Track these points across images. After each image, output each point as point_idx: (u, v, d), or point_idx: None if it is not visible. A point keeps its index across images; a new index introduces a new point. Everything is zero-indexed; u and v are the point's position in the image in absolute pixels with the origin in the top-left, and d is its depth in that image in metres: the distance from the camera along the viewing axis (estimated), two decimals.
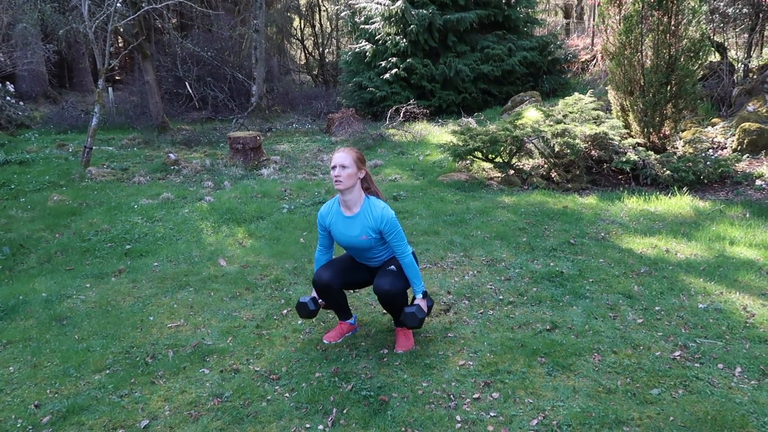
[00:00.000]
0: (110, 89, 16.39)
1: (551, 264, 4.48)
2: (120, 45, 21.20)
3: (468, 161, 7.83)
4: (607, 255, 4.63)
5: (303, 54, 30.89)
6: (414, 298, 3.15)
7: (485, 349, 3.15)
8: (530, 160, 7.76)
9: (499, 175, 7.52)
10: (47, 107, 18.37)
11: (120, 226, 5.86)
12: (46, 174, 8.21)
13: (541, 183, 7.11)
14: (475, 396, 2.70)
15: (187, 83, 15.99)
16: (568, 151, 6.83)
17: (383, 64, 13.06)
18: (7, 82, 14.01)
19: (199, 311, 3.87)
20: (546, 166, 7.36)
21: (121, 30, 10.52)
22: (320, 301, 3.32)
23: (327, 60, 27.91)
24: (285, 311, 3.81)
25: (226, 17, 18.82)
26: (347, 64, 14.33)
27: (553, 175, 7.23)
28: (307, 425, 2.53)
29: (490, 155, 7.53)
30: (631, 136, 7.01)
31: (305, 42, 31.21)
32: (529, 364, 2.96)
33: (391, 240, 3.08)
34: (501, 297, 3.90)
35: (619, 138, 6.82)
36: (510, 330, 3.39)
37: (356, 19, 14.27)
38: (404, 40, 12.74)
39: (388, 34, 13.03)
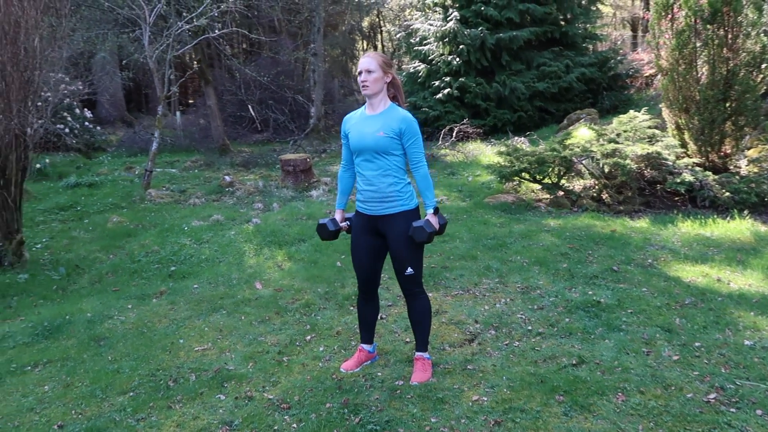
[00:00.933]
0: (178, 113, 17.20)
1: (589, 293, 4.29)
2: (188, 71, 22.24)
3: (515, 182, 7.67)
4: (652, 283, 4.39)
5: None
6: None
7: (503, 384, 3.04)
8: (581, 180, 7.51)
9: (548, 196, 7.31)
10: (123, 131, 19.45)
11: (169, 248, 6.10)
12: (110, 196, 8.67)
13: (591, 205, 6.86)
14: None
15: (249, 106, 16.57)
16: (619, 171, 6.56)
17: (436, 83, 13.07)
18: (86, 109, 14.97)
19: (228, 335, 3.94)
20: (597, 187, 7.10)
21: (186, 57, 11.04)
22: (342, 224, 3.29)
23: None
24: (309, 337, 3.82)
25: (291, 42, 19.43)
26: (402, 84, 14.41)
27: (604, 197, 6.96)
28: None
29: (537, 176, 7.35)
30: (688, 156, 6.66)
31: None
32: (546, 403, 2.82)
33: (410, 145, 2.98)
34: (530, 328, 3.76)
35: (674, 158, 6.49)
36: (533, 364, 3.26)
37: (411, 41, 14.37)
38: (457, 59, 12.71)
39: (441, 54, 13.05)
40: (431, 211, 3.06)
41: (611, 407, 2.76)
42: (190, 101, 24.93)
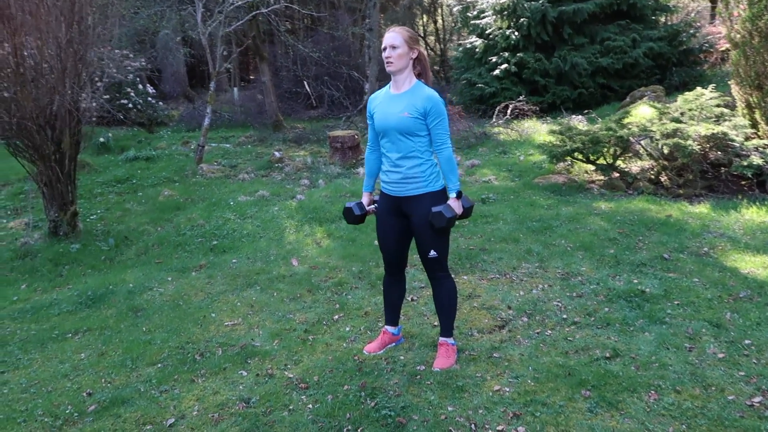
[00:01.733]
0: (236, 89, 17.47)
1: (634, 281, 4.05)
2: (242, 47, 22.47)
3: (567, 163, 7.35)
4: (705, 274, 4.10)
5: (426, 50, 31.04)
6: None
7: (528, 374, 2.91)
8: (638, 162, 7.11)
9: (602, 178, 6.98)
10: (185, 106, 19.97)
11: (213, 222, 6.20)
12: (165, 170, 8.92)
13: (648, 188, 6.49)
14: (499, 428, 2.49)
15: (305, 82, 16.65)
16: (679, 153, 6.15)
17: (493, 59, 12.67)
18: (148, 84, 15.45)
19: (258, 311, 3.97)
20: (655, 169, 6.70)
21: (243, 34, 11.15)
22: (369, 207, 3.23)
23: (448, 56, 27.69)
24: (336, 317, 3.79)
25: (349, 17, 19.33)
26: (458, 60, 14.09)
27: (662, 180, 6.57)
28: None
29: (591, 157, 7.01)
30: (758, 137, 6.16)
31: (427, 38, 31.32)
32: (571, 397, 2.68)
33: (434, 126, 2.86)
34: (565, 316, 3.59)
35: (743, 139, 6.02)
36: (563, 355, 3.10)
37: (468, 14, 13.97)
38: (516, 33, 12.26)
39: (499, 29, 12.62)
40: (454, 195, 2.93)
41: (641, 406, 2.58)
42: (251, 77, 25.29)
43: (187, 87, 22.39)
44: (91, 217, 6.68)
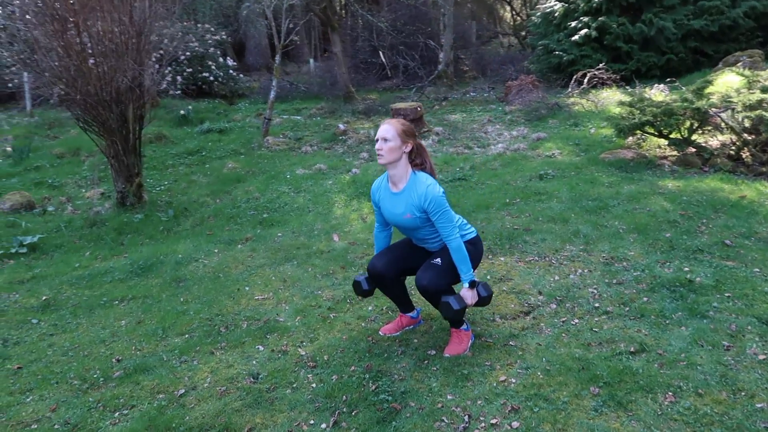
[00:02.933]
0: (311, 60, 17.64)
1: (685, 269, 3.75)
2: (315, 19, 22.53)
3: (638, 137, 6.87)
4: None
5: (511, 16, 30.01)
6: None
7: (540, 366, 2.78)
8: (719, 136, 6.52)
9: (675, 153, 6.47)
10: (266, 78, 20.43)
11: (268, 195, 6.36)
12: (234, 142, 9.21)
13: (726, 165, 5.95)
14: (493, 421, 2.40)
15: (380, 52, 16.55)
16: (763, 126, 5.58)
17: (573, 24, 11.98)
18: (228, 57, 15.92)
19: (290, 286, 4.04)
20: (736, 144, 6.13)
21: (313, 4, 11.20)
22: None
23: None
24: None
25: None
26: (535, 26, 13.45)
27: (743, 156, 6.00)
28: (311, 421, 2.51)
29: (664, 130, 6.50)
30: None
31: (513, 2, 30.19)
32: (578, 393, 2.53)
33: (436, 221, 2.83)
34: (598, 305, 3.39)
35: None
36: (583, 347, 2.94)
37: None
38: None
39: None
40: (466, 285, 2.83)
41: (653, 408, 2.40)
42: (325, 50, 25.46)
43: (270, 59, 22.89)
44: (159, 188, 7.05)
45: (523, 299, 3.54)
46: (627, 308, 3.32)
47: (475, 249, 3.02)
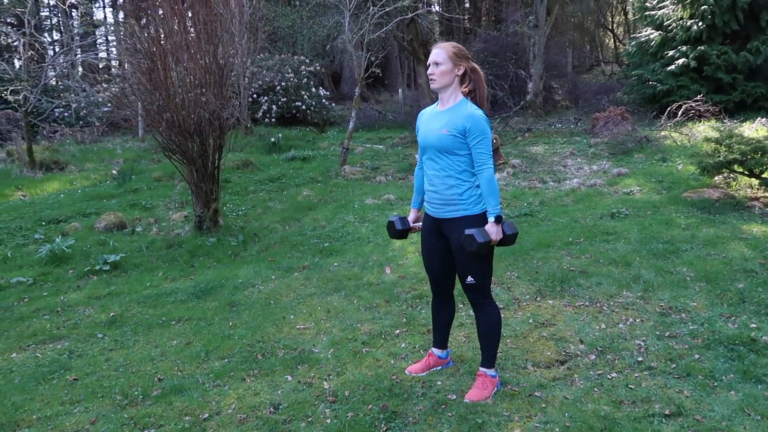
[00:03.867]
0: (400, 90, 17.97)
1: (752, 326, 3.44)
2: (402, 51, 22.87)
3: (726, 175, 6.39)
4: None
5: (614, 43, 29.15)
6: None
7: (560, 421, 2.64)
8: None
9: None
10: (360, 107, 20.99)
11: (334, 224, 6.53)
12: (314, 170, 9.55)
13: None
14: None
15: None
16: None
17: (670, 53, 11.40)
18: (321, 88, 16.57)
19: (332, 317, 4.11)
20: None
21: (399, 39, 11.46)
22: (414, 224, 3.18)
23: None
24: (398, 331, 3.78)
25: (517, 12, 18.78)
26: (630, 55, 12.94)
27: None
28: None
29: (755, 169, 6.01)
30: None
31: (617, 30, 29.32)
32: None
33: (474, 145, 2.73)
34: (641, 359, 3.18)
35: None
36: (613, 404, 2.76)
37: (646, 4, 12.73)
38: (699, 23, 10.89)
39: (679, 19, 11.31)
40: (492, 219, 2.76)
41: None
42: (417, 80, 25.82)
43: (364, 88, 23.60)
44: (237, 213, 7.43)
45: (562, 347, 3.38)
46: (674, 365, 3.09)
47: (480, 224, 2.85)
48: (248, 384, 3.25)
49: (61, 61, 9.30)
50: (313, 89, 16.00)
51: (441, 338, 3.25)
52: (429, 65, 2.86)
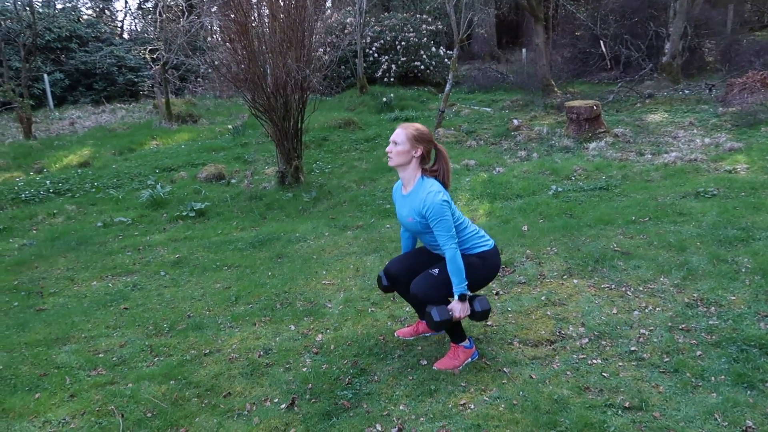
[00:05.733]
0: (524, 50, 17.22)
1: None
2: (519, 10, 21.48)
3: None
4: None
5: None
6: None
7: (510, 399, 2.64)
8: None
9: None
10: (488, 65, 20.50)
11: None
12: None
13: None
14: None
15: (601, 42, 15.44)
16: None
17: None
18: (441, 47, 16.38)
19: (358, 276, 4.31)
20: None
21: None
22: None
23: None
24: None
25: None
26: None
27: None
28: (276, 399, 2.79)
29: None
30: None
31: None
32: None
33: (433, 228, 2.82)
34: (635, 348, 3.02)
35: None
36: (576, 389, 2.69)
37: None
38: None
39: None
40: (456, 297, 2.80)
41: None
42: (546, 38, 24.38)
43: (495, 47, 22.89)
44: (323, 170, 7.82)
45: (559, 327, 3.30)
46: (666, 359, 2.90)
47: (483, 263, 2.95)
48: (255, 329, 3.58)
49: (193, 22, 10.20)
50: (434, 49, 15.89)
51: (422, 313, 3.31)
52: (390, 142, 2.94)
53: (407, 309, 3.70)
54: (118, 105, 16.35)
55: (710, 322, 3.22)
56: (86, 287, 4.55)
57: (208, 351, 3.33)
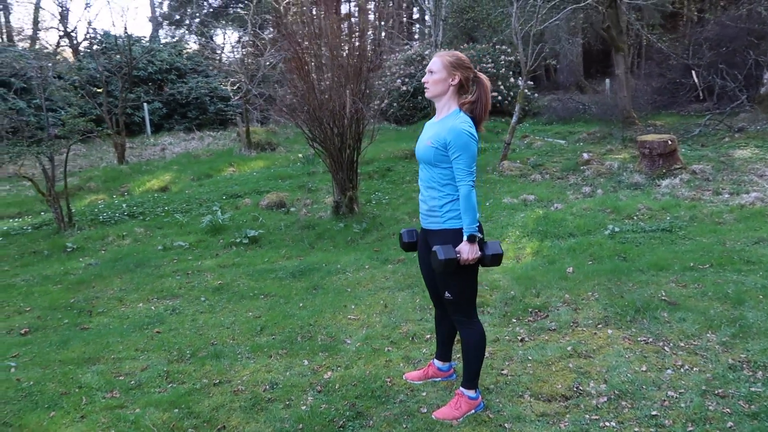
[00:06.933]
0: (608, 81, 16.59)
1: None
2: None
3: None
4: None
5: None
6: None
7: None
8: None
9: None
10: (573, 96, 19.96)
11: None
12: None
13: None
14: None
15: (693, 71, 14.59)
16: None
17: None
18: (519, 78, 16.09)
19: (386, 313, 4.23)
20: None
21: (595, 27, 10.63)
22: None
23: None
24: (429, 336, 3.76)
25: None
26: None
27: None
28: None
29: None
30: None
31: None
32: None
33: (454, 160, 2.64)
34: (656, 413, 2.74)
35: None
36: None
37: None
38: None
39: None
40: (465, 237, 2.65)
41: None
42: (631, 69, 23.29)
43: (581, 77, 22.27)
44: (381, 201, 7.84)
45: (579, 382, 3.06)
46: (690, 428, 2.61)
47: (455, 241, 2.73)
48: (270, 361, 3.59)
49: (272, 55, 10.70)
50: (512, 80, 15.67)
51: (442, 350, 3.20)
52: (425, 73, 2.83)
53: (424, 351, 3.58)
54: (207, 132, 17.33)
55: (752, 389, 2.87)
56: (132, 309, 4.78)
57: (218, 381, 3.37)
